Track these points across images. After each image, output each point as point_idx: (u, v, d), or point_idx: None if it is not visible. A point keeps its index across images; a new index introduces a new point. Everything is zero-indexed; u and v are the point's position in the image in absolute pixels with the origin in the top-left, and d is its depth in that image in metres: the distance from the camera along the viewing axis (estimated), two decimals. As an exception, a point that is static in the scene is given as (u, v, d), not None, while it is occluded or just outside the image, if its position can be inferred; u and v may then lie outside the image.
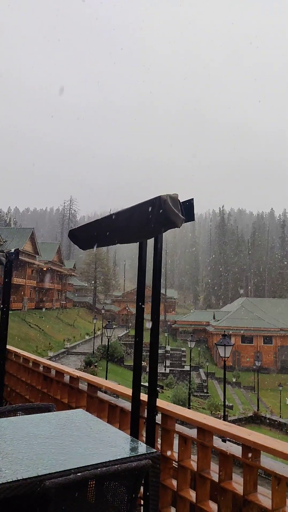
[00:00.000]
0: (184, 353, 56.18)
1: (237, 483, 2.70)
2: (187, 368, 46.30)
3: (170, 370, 48.42)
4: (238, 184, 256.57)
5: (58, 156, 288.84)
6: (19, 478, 2.06)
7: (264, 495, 2.55)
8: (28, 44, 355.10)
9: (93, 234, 3.31)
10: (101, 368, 37.12)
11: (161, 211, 2.46)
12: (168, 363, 51.58)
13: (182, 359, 55.37)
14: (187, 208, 2.64)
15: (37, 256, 62.87)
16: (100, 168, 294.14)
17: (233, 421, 29.49)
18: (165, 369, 47.83)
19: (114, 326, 34.85)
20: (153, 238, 2.94)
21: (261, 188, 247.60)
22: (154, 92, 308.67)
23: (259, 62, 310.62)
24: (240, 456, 2.66)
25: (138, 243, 3.10)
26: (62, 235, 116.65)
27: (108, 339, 31.46)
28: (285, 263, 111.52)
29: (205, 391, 44.52)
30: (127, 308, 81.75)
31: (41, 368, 5.65)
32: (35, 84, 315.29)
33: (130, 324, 75.41)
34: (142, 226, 2.73)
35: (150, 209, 2.56)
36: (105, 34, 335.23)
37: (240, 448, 2.69)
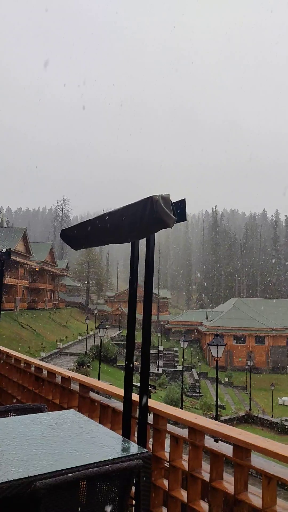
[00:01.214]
0: (176, 353, 56.28)
1: (228, 483, 2.70)
2: (179, 368, 46.35)
3: (162, 370, 48.45)
4: (231, 185, 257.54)
5: (51, 155, 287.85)
6: (9, 479, 2.05)
7: (254, 494, 2.56)
8: (17, 41, 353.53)
9: (85, 234, 3.30)
10: (92, 368, 37.05)
11: (153, 211, 2.47)
12: (160, 363, 51.61)
13: (175, 359, 55.48)
14: (179, 209, 2.65)
15: (29, 256, 62.59)
16: (93, 168, 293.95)
17: (225, 421, 29.59)
18: (157, 369, 47.86)
19: (107, 327, 34.77)
20: (145, 238, 2.95)
21: (254, 188, 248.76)
22: (147, 91, 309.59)
23: (252, 62, 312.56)
24: (231, 456, 2.67)
25: (130, 243, 3.10)
26: (55, 235, 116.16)
27: (101, 340, 31.40)
28: (278, 264, 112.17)
29: (197, 391, 44.61)
30: (120, 309, 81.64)
31: (32, 369, 5.62)
32: (26, 82, 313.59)
33: (123, 325, 75.31)
34: (134, 226, 2.73)
35: (142, 209, 2.56)
36: (98, 32, 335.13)
37: (231, 447, 2.70)
